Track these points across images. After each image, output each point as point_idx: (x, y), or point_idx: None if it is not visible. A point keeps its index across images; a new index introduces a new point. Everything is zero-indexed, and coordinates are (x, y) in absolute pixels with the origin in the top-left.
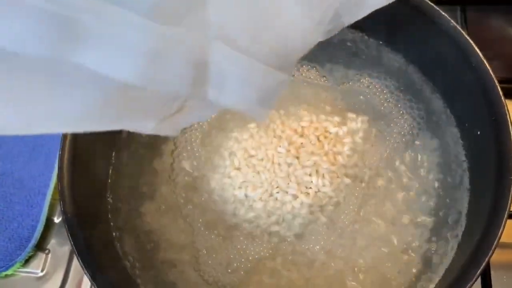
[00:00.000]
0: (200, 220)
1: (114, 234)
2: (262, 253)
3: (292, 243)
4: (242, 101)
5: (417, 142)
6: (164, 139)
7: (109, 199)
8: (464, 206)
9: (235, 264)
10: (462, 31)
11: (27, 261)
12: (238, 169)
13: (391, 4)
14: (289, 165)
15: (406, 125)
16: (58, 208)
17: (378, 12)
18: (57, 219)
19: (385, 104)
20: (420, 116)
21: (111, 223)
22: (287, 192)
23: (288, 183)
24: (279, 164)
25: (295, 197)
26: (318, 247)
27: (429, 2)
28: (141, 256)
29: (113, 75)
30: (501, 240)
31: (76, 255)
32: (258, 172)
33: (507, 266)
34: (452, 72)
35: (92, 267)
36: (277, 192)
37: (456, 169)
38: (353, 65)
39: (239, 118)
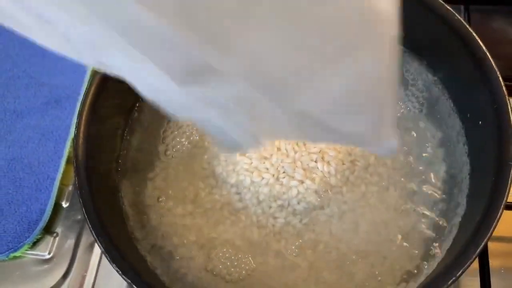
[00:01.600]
0: (207, 204)
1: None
2: (267, 237)
3: (296, 226)
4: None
5: (420, 130)
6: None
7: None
8: (464, 191)
9: (239, 243)
10: (465, 24)
11: (35, 244)
12: (243, 154)
13: None
14: (296, 151)
15: (409, 114)
16: (67, 193)
17: None
18: (65, 204)
19: None
20: (422, 105)
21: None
22: (293, 177)
23: (294, 169)
24: (286, 150)
25: (301, 182)
26: (322, 231)
27: None
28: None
29: None
30: (499, 233)
31: (88, 223)
32: (265, 158)
33: (505, 258)
34: (455, 63)
35: (104, 237)
36: (283, 178)
37: (458, 156)
38: None
39: None
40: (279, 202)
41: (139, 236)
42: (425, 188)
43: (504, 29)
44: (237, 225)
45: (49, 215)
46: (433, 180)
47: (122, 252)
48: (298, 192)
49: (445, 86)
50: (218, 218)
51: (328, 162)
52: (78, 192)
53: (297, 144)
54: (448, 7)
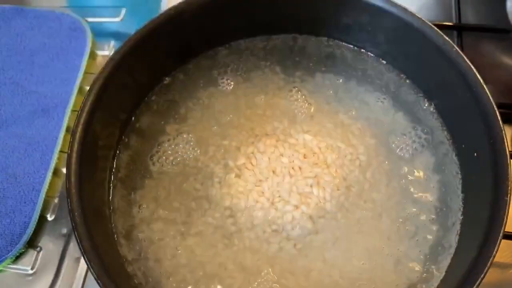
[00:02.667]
0: (199, 227)
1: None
2: (260, 261)
3: (290, 252)
4: None
5: (417, 159)
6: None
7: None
8: (458, 225)
9: (232, 268)
10: (463, 56)
11: (17, 258)
12: (239, 176)
13: (397, 25)
14: (291, 175)
15: (405, 143)
16: (52, 205)
17: (382, 30)
18: (50, 217)
19: (387, 122)
20: (419, 136)
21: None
22: (288, 202)
23: (290, 193)
24: (282, 174)
25: (296, 207)
26: (315, 257)
27: (434, 27)
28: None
29: None
30: (495, 260)
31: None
32: (260, 181)
33: (499, 286)
34: (452, 94)
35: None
36: (279, 202)
37: (453, 188)
38: (360, 83)
39: (242, 127)
40: (274, 227)
41: (130, 257)
42: (418, 216)
43: (495, 53)
44: (230, 248)
45: (33, 229)
46: (428, 210)
47: (113, 277)
48: (293, 218)
49: (441, 115)
50: (210, 241)
51: (324, 188)
52: (70, 215)
53: (292, 168)
54: (445, 38)
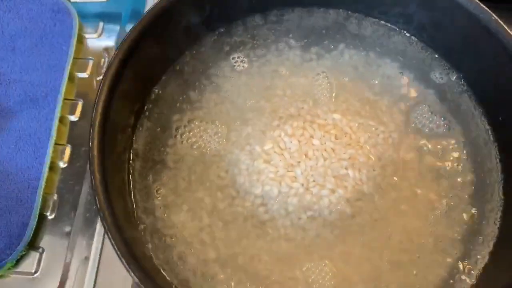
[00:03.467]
0: (227, 217)
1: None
2: (296, 250)
3: (327, 238)
4: None
5: (448, 135)
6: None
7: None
8: (497, 202)
9: (267, 258)
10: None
11: (18, 261)
12: (268, 162)
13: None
14: (325, 158)
15: (435, 119)
16: (51, 203)
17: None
18: (50, 215)
19: (413, 97)
20: (449, 110)
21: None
22: (324, 186)
23: (325, 177)
24: (315, 157)
25: (332, 191)
26: (354, 242)
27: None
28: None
29: None
30: None
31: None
32: (292, 165)
33: None
34: (484, 64)
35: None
36: (313, 187)
37: (490, 164)
38: (380, 56)
39: (263, 110)
40: (309, 213)
41: (155, 256)
42: (454, 193)
43: None
44: (263, 238)
45: (33, 229)
46: (462, 185)
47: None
48: (330, 202)
49: (470, 87)
50: (241, 231)
51: (359, 169)
52: (101, 214)
53: (325, 150)
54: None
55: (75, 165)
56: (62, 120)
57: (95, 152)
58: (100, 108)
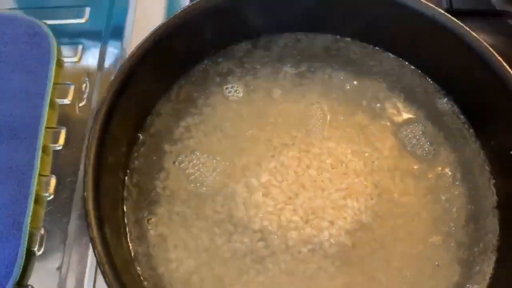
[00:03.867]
0: (226, 254)
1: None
2: (297, 284)
3: (328, 270)
4: None
5: (439, 157)
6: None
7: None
8: (493, 220)
9: None
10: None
11: None
12: (266, 195)
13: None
14: (323, 189)
15: (425, 141)
16: (39, 238)
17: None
18: (38, 251)
19: (403, 120)
20: (440, 131)
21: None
22: (323, 218)
23: (324, 208)
24: (312, 189)
25: (331, 223)
26: (354, 272)
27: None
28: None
29: None
30: None
31: None
32: (290, 198)
33: None
34: (471, 81)
35: None
36: (313, 219)
37: (484, 185)
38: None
39: (256, 140)
40: (310, 247)
41: None
42: (450, 215)
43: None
44: (264, 274)
45: (21, 266)
46: (458, 206)
47: None
48: (330, 235)
49: (458, 106)
50: (240, 267)
51: (357, 199)
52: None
53: (322, 180)
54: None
55: (61, 196)
56: (44, 149)
57: (91, 206)
58: (94, 150)
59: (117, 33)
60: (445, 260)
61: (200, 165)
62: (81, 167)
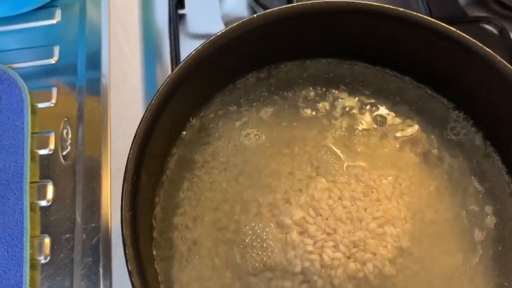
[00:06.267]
0: None
1: None
2: None
3: None
4: None
5: (458, 168)
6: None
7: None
8: None
9: None
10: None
11: None
12: (302, 234)
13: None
14: (360, 219)
15: (442, 154)
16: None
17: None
18: None
19: (421, 136)
20: (458, 143)
21: None
22: (365, 250)
23: (365, 240)
24: (349, 221)
25: (373, 254)
26: None
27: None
28: None
29: None
30: None
31: None
32: (329, 234)
33: None
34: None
35: None
36: (356, 253)
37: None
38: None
39: (277, 174)
40: (355, 282)
41: None
42: (480, 227)
43: None
44: None
45: None
46: (485, 217)
47: None
48: (374, 266)
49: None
50: None
51: (393, 224)
52: None
53: (357, 211)
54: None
55: (58, 256)
56: (31, 207)
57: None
58: (127, 199)
59: (93, 67)
60: (481, 272)
61: (218, 207)
62: (77, 221)
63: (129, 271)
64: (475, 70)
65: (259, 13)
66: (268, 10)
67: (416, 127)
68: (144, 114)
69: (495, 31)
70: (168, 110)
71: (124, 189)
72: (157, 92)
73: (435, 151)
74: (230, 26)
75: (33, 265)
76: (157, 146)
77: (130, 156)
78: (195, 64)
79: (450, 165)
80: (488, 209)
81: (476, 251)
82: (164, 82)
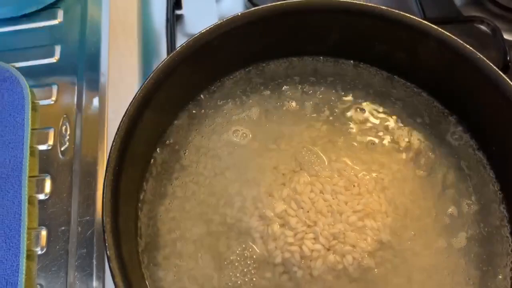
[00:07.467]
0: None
1: None
2: None
3: None
4: None
5: (441, 170)
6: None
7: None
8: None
9: None
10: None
11: None
12: (283, 226)
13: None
14: (340, 212)
15: (429, 155)
16: None
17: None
18: None
19: (405, 134)
20: (445, 145)
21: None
22: (344, 243)
23: (345, 233)
24: (330, 213)
25: (353, 246)
26: None
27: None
28: None
29: None
30: None
31: None
32: (309, 227)
33: None
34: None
35: None
36: (335, 245)
37: (491, 197)
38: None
39: (262, 168)
40: (334, 273)
41: None
42: (461, 225)
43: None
44: None
45: None
46: (468, 217)
47: None
48: (354, 258)
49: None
50: None
51: (374, 218)
52: None
53: (338, 204)
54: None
55: (54, 248)
56: (30, 200)
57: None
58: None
59: (93, 67)
60: (462, 268)
61: (203, 200)
62: (73, 214)
63: (107, 257)
64: (458, 68)
65: (243, 11)
66: (253, 8)
67: (402, 124)
68: (128, 108)
69: (488, 31)
70: (153, 105)
71: (106, 178)
72: (141, 86)
73: (421, 148)
74: (214, 23)
75: (30, 256)
76: (142, 140)
77: (112, 147)
78: (180, 60)
79: (435, 162)
80: (472, 208)
81: (458, 249)
82: (149, 76)
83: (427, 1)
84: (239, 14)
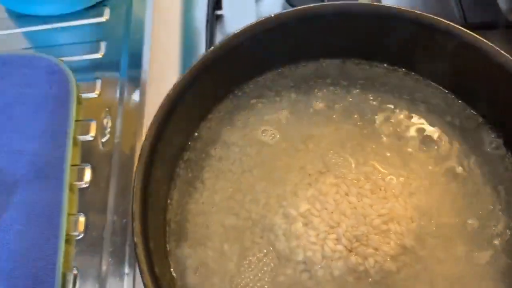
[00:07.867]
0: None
1: None
2: None
3: None
4: None
5: (474, 174)
6: None
7: None
8: None
9: None
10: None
11: None
12: (306, 225)
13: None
14: (365, 215)
15: (461, 158)
16: (72, 279)
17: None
18: None
19: (435, 139)
20: (474, 148)
21: None
22: (367, 245)
23: (368, 236)
24: (354, 216)
25: (375, 249)
26: None
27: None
28: None
29: None
30: None
31: None
32: (332, 227)
33: None
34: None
35: None
36: (358, 247)
37: None
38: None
39: (288, 168)
40: (356, 275)
41: None
42: (488, 233)
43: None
44: None
45: None
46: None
47: None
48: (376, 261)
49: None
50: None
51: (399, 223)
52: None
53: (363, 207)
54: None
55: (90, 234)
56: (71, 188)
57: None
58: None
59: (135, 63)
60: (487, 278)
61: (231, 196)
62: (109, 203)
63: (135, 243)
64: (495, 77)
65: (276, 13)
66: (285, 10)
67: (434, 129)
68: (162, 102)
69: None
70: (185, 103)
71: (137, 171)
72: (175, 83)
73: (454, 155)
74: (248, 24)
75: (68, 240)
76: (171, 137)
77: (146, 136)
78: (214, 58)
79: (467, 171)
80: (503, 222)
81: (485, 260)
82: (183, 75)
83: (469, 5)
84: (273, 15)
